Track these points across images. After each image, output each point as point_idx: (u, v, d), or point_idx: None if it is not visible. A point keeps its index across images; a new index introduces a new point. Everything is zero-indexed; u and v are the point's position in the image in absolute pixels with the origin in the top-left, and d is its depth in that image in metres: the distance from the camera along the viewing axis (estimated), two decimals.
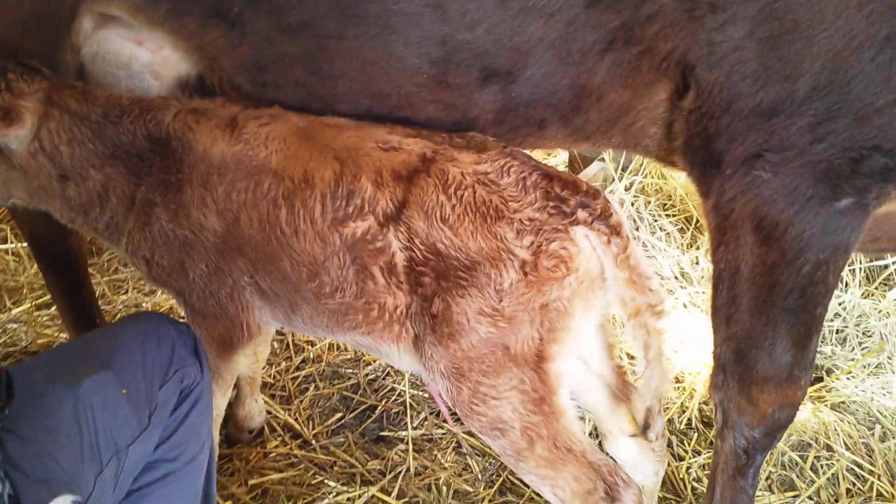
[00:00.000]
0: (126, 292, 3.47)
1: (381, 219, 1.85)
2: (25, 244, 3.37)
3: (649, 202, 3.95)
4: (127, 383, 1.87)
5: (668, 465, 2.61)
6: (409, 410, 2.91)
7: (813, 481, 2.65)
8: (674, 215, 3.96)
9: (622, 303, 1.86)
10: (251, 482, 2.62)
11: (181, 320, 2.19)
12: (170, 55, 2.06)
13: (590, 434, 2.66)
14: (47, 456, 1.70)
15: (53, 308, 3.12)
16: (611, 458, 2.21)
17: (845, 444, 2.77)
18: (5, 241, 3.54)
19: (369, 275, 1.89)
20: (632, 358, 3.08)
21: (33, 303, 3.25)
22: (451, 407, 1.97)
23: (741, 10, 1.67)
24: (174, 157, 2.02)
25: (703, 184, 1.95)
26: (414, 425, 2.86)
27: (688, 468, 2.65)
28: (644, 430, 2.05)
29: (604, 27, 1.76)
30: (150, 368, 1.95)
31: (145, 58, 2.10)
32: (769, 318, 1.94)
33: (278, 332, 3.25)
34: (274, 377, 3.08)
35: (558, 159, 4.34)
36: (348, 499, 2.57)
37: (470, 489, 2.63)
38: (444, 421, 2.85)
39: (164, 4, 1.94)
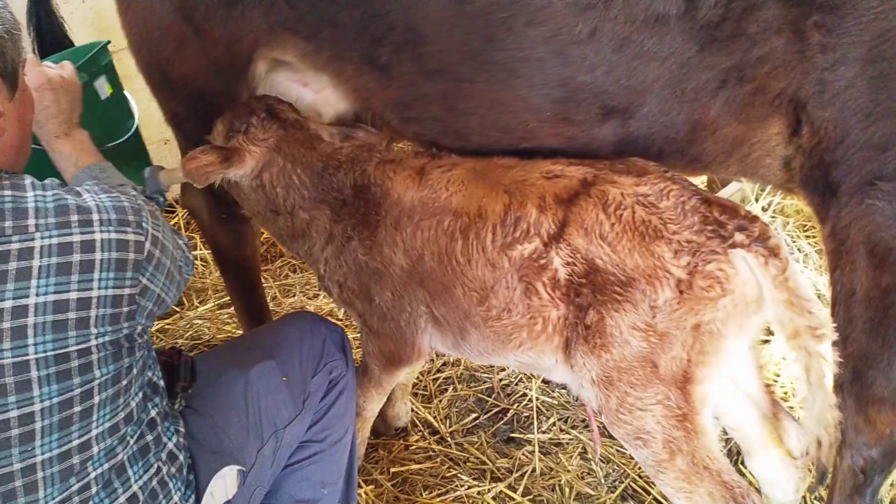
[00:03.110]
0: (294, 296, 3.85)
1: (546, 238, 1.99)
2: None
3: (787, 223, 3.89)
4: (287, 372, 2.16)
5: None
6: (537, 415, 3.10)
7: None
8: (812, 237, 3.86)
9: (781, 324, 1.88)
10: (392, 470, 2.90)
11: (332, 320, 2.49)
12: (330, 95, 2.37)
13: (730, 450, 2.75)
14: (220, 429, 2.00)
15: (232, 308, 3.54)
16: (751, 475, 2.29)
17: None
18: (195, 248, 4.04)
19: (534, 291, 2.03)
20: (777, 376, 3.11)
21: (216, 302, 3.69)
22: (598, 416, 2.08)
23: (850, 50, 1.74)
24: (373, 201, 2.25)
25: (821, 211, 2.01)
26: (542, 429, 3.04)
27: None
28: (820, 477, 2.03)
29: (716, 67, 1.88)
30: (306, 360, 2.22)
31: (310, 97, 2.42)
32: (885, 340, 1.96)
33: None
34: (417, 378, 3.34)
35: (697, 179, 4.35)
36: (478, 492, 2.78)
37: (592, 492, 2.77)
38: (592, 440, 2.97)
39: (326, 52, 2.24)
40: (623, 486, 2.77)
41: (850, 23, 1.71)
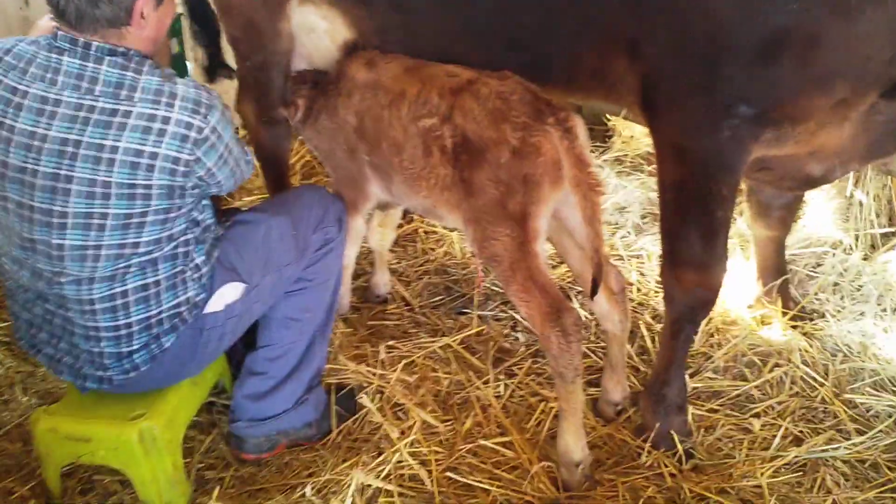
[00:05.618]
0: None
1: (441, 117, 2.78)
2: None
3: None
4: (296, 228, 2.83)
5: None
6: (487, 299, 3.99)
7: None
8: None
9: (569, 179, 2.57)
10: (368, 322, 3.84)
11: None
12: (339, 25, 3.22)
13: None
14: (239, 256, 2.67)
15: None
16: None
17: (806, 360, 3.33)
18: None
19: (430, 153, 2.81)
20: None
21: (259, 197, 4.77)
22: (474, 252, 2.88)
23: (658, 5, 2.56)
24: (337, 82, 3.24)
25: (650, 123, 2.79)
26: (489, 308, 3.93)
27: None
28: (596, 278, 2.66)
29: (576, 17, 2.71)
30: (311, 221, 2.91)
31: (325, 26, 3.27)
32: (683, 217, 2.73)
33: (412, 240, 4.51)
34: (405, 268, 4.28)
35: None
36: (428, 342, 3.67)
37: (511, 347, 3.65)
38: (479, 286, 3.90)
39: None
40: (536, 346, 3.58)
41: None
